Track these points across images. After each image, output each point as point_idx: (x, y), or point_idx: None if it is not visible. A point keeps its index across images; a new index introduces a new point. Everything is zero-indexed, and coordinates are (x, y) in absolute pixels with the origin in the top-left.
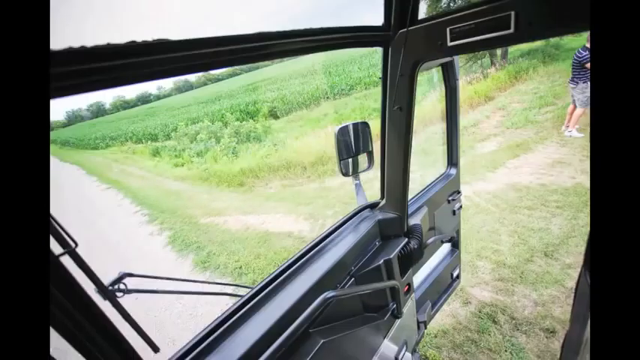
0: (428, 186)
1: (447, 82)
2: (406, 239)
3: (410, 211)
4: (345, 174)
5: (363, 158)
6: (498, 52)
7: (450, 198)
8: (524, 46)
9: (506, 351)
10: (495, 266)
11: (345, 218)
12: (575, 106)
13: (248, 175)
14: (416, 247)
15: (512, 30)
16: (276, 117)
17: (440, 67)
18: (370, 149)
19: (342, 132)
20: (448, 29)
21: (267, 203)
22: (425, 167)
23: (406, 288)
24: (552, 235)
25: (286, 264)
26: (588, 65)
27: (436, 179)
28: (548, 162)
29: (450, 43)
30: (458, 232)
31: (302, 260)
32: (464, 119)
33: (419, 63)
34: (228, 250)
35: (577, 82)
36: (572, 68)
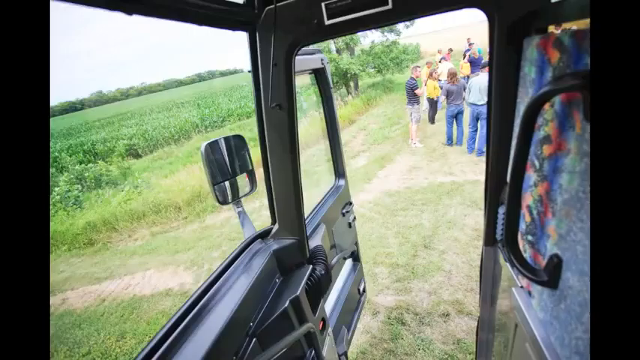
0: (321, 201)
1: (322, 91)
2: (310, 266)
3: (308, 231)
4: (223, 202)
5: (243, 180)
6: (352, 83)
7: (344, 211)
8: (369, 80)
9: (419, 349)
10: (391, 269)
11: (231, 257)
12: (412, 123)
13: (100, 229)
14: (323, 272)
15: (390, 6)
16: (137, 156)
17: (314, 86)
18: (250, 167)
19: (212, 149)
20: (323, 4)
21: (131, 260)
22: (311, 180)
23: (321, 324)
24: (425, 228)
25: (157, 337)
26: (416, 91)
27: (327, 193)
28: (406, 168)
29: (327, 22)
30: (357, 244)
31: (179, 329)
32: None
33: (295, 47)
34: (69, 343)
35: (413, 104)
36: (407, 94)
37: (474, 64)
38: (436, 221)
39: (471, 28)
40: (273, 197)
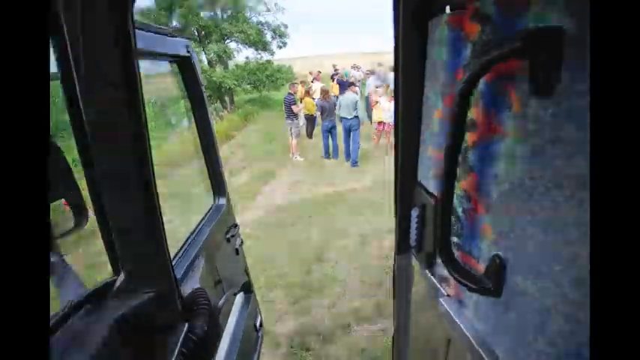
0: (196, 228)
1: (190, 90)
2: (186, 324)
3: (179, 273)
4: None
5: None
6: (227, 97)
7: (229, 235)
8: (245, 96)
9: None
10: (287, 290)
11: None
12: (292, 138)
13: None
14: (206, 328)
15: None
16: None
17: (178, 73)
18: (74, 190)
19: None
20: None
21: None
22: (177, 201)
23: None
24: (315, 241)
25: None
26: (293, 107)
27: (204, 216)
28: (290, 182)
29: None
30: (247, 272)
31: None
32: None
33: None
34: None
35: (292, 120)
36: (285, 110)
37: (342, 85)
38: (325, 232)
39: (335, 57)
40: (113, 233)
